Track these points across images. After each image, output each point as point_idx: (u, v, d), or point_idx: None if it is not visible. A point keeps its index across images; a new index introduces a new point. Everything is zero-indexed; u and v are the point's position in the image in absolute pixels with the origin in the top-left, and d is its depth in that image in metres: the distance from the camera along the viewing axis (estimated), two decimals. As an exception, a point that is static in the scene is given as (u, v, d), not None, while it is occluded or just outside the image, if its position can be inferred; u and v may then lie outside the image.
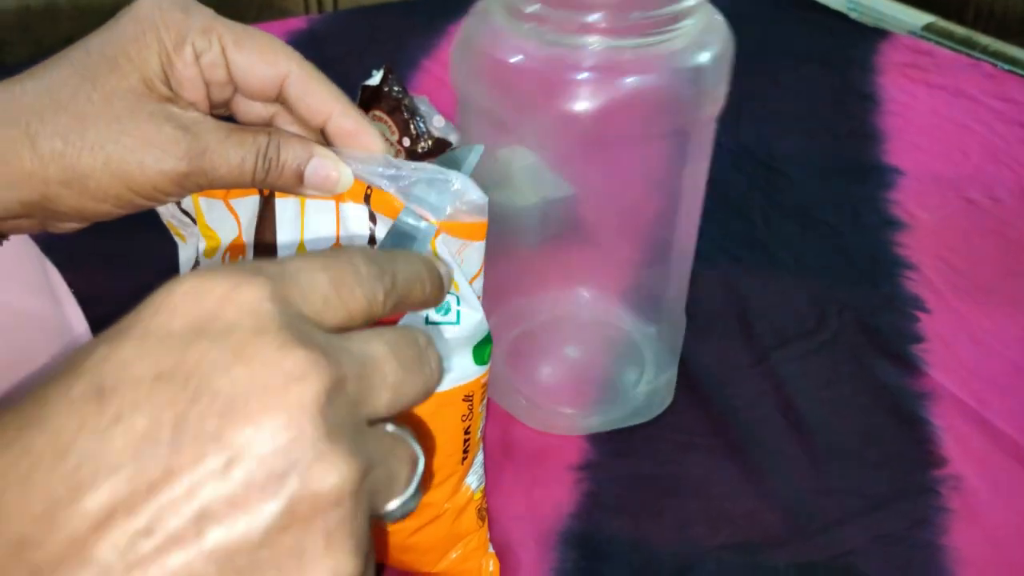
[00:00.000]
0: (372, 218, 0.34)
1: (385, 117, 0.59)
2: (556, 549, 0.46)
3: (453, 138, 0.60)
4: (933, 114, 0.92)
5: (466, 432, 0.38)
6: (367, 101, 0.60)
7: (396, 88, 0.58)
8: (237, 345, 0.19)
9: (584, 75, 0.41)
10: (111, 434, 0.18)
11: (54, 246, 0.44)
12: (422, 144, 0.58)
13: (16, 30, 1.13)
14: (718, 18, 0.45)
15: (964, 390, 0.57)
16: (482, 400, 0.39)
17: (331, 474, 0.19)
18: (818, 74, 1.00)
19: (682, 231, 0.50)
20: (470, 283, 0.35)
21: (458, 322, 0.36)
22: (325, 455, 0.19)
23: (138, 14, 0.29)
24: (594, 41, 0.41)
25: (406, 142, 0.58)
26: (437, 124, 0.63)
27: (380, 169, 0.32)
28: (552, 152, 0.47)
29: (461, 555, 0.42)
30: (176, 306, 0.20)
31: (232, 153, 0.30)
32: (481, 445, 0.42)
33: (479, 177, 0.52)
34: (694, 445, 0.52)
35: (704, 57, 0.43)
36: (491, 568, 0.43)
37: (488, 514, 0.45)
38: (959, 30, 1.16)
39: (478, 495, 0.42)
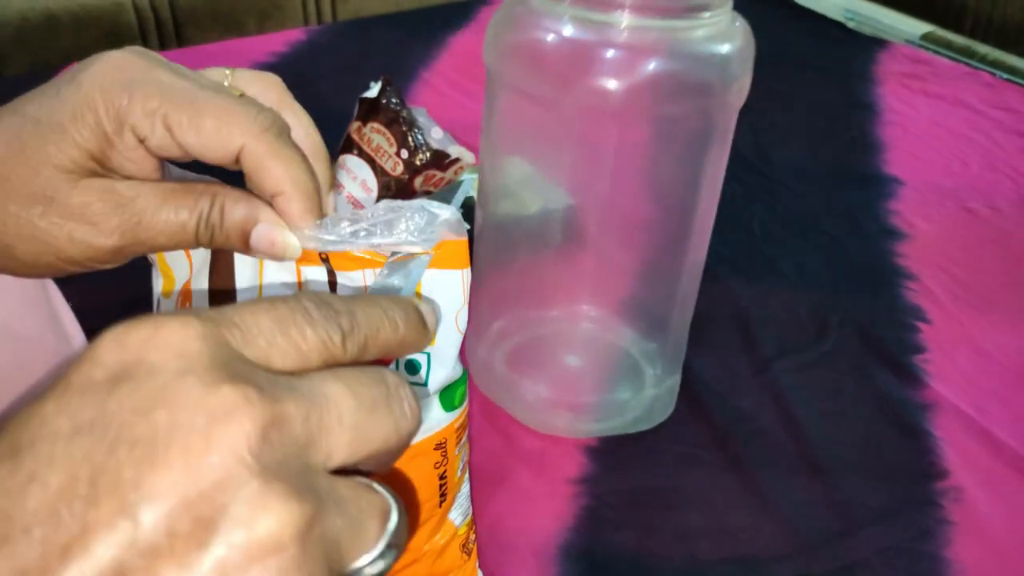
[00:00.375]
0: (331, 275, 0.32)
1: (383, 129, 0.59)
2: (556, 564, 0.46)
3: (452, 150, 0.60)
4: (932, 124, 0.92)
5: (441, 478, 0.37)
6: (365, 113, 0.60)
7: (394, 100, 0.58)
8: (158, 388, 0.18)
9: (613, 52, 0.42)
10: (24, 494, 0.17)
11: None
12: (420, 156, 0.58)
13: (14, 43, 1.13)
14: (739, 23, 0.46)
15: (965, 400, 0.57)
16: (459, 441, 0.38)
17: (266, 517, 0.17)
18: (817, 84, 1.00)
19: (697, 235, 0.50)
20: (455, 316, 0.34)
21: (426, 383, 0.35)
22: (259, 497, 0.17)
23: (80, 87, 0.27)
24: (625, 19, 0.42)
25: (404, 154, 0.58)
26: (435, 136, 0.63)
27: (345, 224, 0.30)
28: (580, 131, 0.47)
29: None
30: (98, 356, 0.18)
31: (171, 219, 0.28)
32: (465, 478, 0.41)
33: (494, 183, 0.52)
34: (695, 457, 0.52)
35: (728, 47, 0.44)
36: None
37: (483, 532, 0.45)
38: (958, 39, 1.16)
39: (463, 529, 0.41)
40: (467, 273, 0.33)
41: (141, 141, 0.27)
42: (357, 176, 0.59)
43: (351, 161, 0.59)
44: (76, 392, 0.18)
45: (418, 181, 0.59)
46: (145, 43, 1.23)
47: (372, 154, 0.59)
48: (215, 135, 0.27)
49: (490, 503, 0.49)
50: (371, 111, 0.59)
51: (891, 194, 0.80)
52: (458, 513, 0.41)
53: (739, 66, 0.44)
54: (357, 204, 0.59)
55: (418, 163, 0.58)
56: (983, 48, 1.14)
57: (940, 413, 0.56)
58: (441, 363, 0.35)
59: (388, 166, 0.58)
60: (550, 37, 0.43)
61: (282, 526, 0.17)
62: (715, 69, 0.44)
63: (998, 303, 0.66)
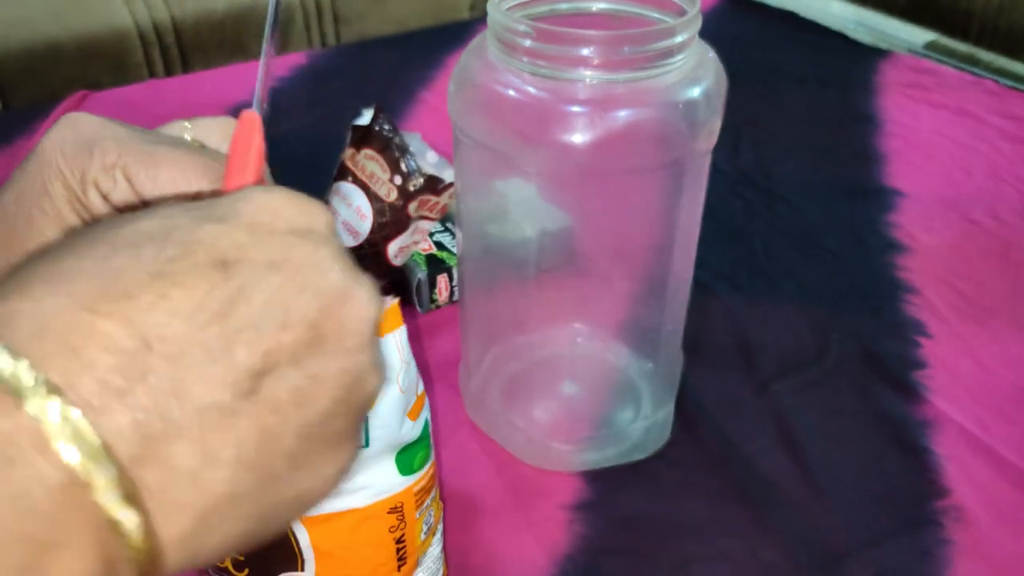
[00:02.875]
0: None
1: (376, 156, 0.59)
2: (552, 591, 0.46)
3: (447, 174, 0.60)
4: (935, 134, 0.91)
5: (399, 541, 0.37)
6: (358, 140, 0.60)
7: (386, 127, 0.59)
8: (329, 253, 0.22)
9: (578, 108, 0.42)
10: (235, 302, 0.20)
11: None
12: (414, 182, 0.59)
13: (20, 74, 1.14)
14: (711, 55, 0.45)
15: (967, 417, 0.56)
16: (419, 505, 0.38)
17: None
18: (818, 96, 1.00)
19: (678, 264, 0.50)
20: (396, 378, 0.35)
21: (367, 444, 0.35)
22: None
23: (42, 159, 0.28)
24: (588, 75, 0.41)
25: (398, 180, 0.59)
26: (431, 160, 0.63)
27: None
28: (547, 185, 0.47)
29: None
30: (277, 210, 0.22)
31: None
32: (434, 540, 0.41)
33: (477, 211, 0.52)
34: (692, 482, 0.52)
35: (696, 91, 0.43)
36: None
37: (479, 561, 0.45)
38: (961, 47, 1.15)
39: None
40: (402, 332, 0.35)
41: (105, 197, 0.28)
42: (352, 203, 0.59)
43: (345, 188, 0.60)
44: (265, 233, 0.22)
45: (412, 206, 0.59)
46: (150, 70, 1.24)
47: (366, 180, 0.59)
48: (171, 184, 0.28)
49: (485, 531, 0.48)
50: (364, 138, 0.59)
51: (893, 206, 0.79)
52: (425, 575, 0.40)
53: (707, 110, 0.43)
54: (352, 231, 0.59)
55: (412, 189, 0.58)
56: (987, 56, 1.13)
57: (941, 430, 0.55)
58: (382, 425, 0.35)
59: (382, 192, 0.58)
60: (510, 93, 0.42)
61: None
62: (682, 117, 0.42)
63: (1001, 315, 0.66)
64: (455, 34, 1.11)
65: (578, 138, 0.41)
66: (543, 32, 0.40)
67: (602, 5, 0.46)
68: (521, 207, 0.55)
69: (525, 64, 0.41)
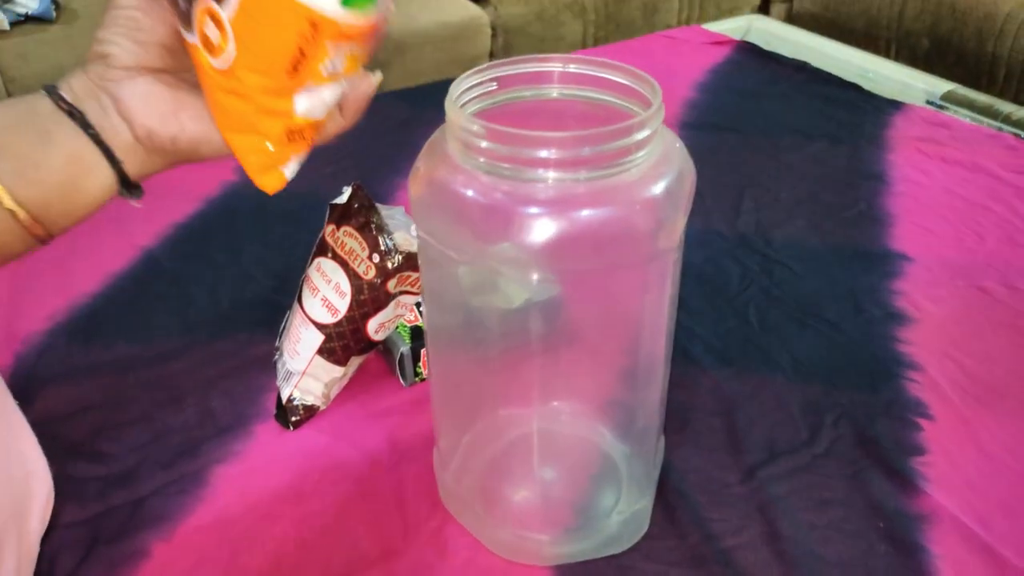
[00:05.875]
0: None
1: (355, 234, 0.58)
2: None
3: (430, 247, 0.59)
4: (946, 192, 0.89)
5: (301, 53, 0.40)
6: (338, 218, 0.60)
7: (365, 205, 0.58)
8: None
9: (536, 209, 0.40)
10: None
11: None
12: (391, 260, 0.58)
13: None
14: (677, 146, 0.44)
15: (966, 511, 0.53)
16: (339, 49, 0.41)
17: None
18: (827, 153, 0.98)
19: (645, 355, 0.48)
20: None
21: None
22: None
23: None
24: (546, 175, 0.40)
25: (376, 258, 0.58)
26: (415, 234, 0.62)
27: None
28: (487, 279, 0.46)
29: (253, 145, 0.44)
30: None
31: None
32: (334, 86, 0.43)
33: (441, 298, 0.51)
34: (669, 578, 0.50)
35: (659, 188, 0.41)
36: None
37: None
38: (981, 98, 1.12)
39: (300, 120, 0.44)
40: None
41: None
42: (331, 279, 0.59)
43: (326, 264, 0.59)
44: None
45: (391, 284, 0.58)
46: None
47: (345, 257, 0.58)
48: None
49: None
50: (343, 216, 0.58)
51: (897, 272, 0.76)
52: (309, 106, 0.43)
53: (669, 207, 0.42)
54: (331, 308, 0.59)
55: (390, 267, 0.57)
56: (1008, 106, 1.10)
57: (938, 525, 0.53)
58: None
59: (361, 270, 0.58)
60: (469, 193, 0.41)
61: None
62: (644, 217, 0.41)
63: (1010, 397, 0.63)
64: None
65: (536, 241, 0.40)
66: (497, 133, 0.39)
67: (566, 91, 0.45)
68: (509, 277, 0.53)
69: (484, 164, 0.40)
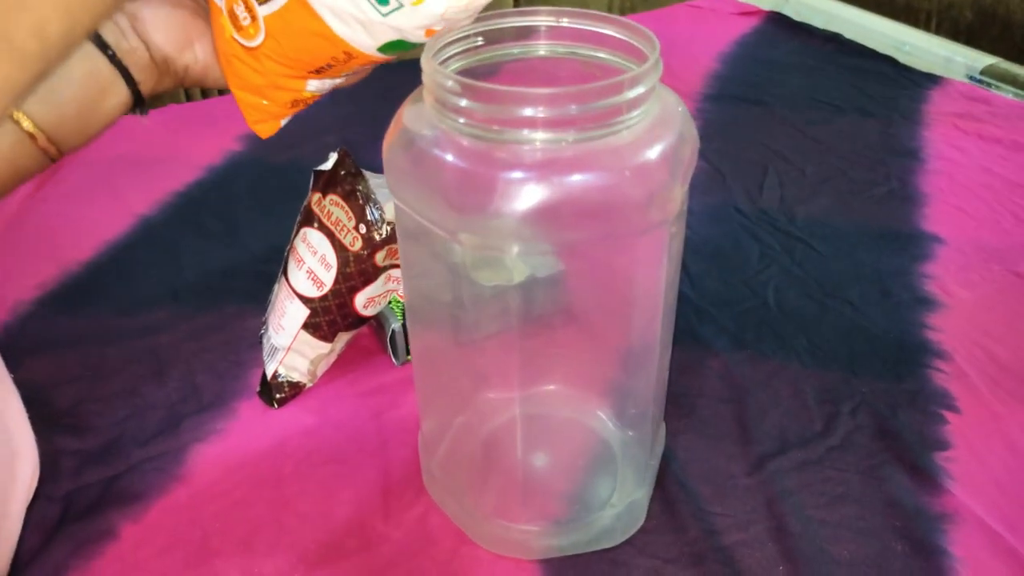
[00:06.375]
0: None
1: (341, 202, 0.55)
2: None
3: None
4: (983, 171, 0.83)
5: (329, 65, 0.42)
6: (323, 186, 0.56)
7: (351, 172, 0.55)
8: None
9: (518, 174, 0.37)
10: None
11: None
12: (378, 232, 0.54)
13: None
14: (680, 109, 0.40)
15: (991, 512, 0.49)
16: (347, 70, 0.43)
17: None
18: (857, 128, 0.92)
19: (639, 335, 0.44)
20: None
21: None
22: None
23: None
24: (530, 137, 0.36)
25: (362, 229, 0.55)
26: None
27: None
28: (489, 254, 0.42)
29: (257, 104, 0.46)
30: None
31: None
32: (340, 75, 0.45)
33: (425, 284, 0.48)
34: (662, 575, 0.46)
35: (653, 153, 0.37)
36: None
37: None
38: (1023, 72, 1.06)
39: (308, 94, 0.46)
40: None
41: None
42: (317, 251, 0.56)
43: (312, 235, 0.56)
44: None
45: (380, 256, 0.55)
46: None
47: (332, 228, 0.55)
48: None
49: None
50: (328, 184, 0.55)
51: (928, 255, 0.72)
52: (318, 87, 0.46)
53: (663, 175, 0.38)
54: (317, 281, 0.56)
55: (377, 238, 0.54)
56: (1053, 81, 1.04)
57: (960, 526, 0.49)
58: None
59: (347, 241, 0.55)
60: (447, 157, 0.37)
61: None
62: (634, 185, 0.37)
63: (1044, 388, 0.58)
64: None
65: (517, 209, 0.36)
66: (476, 90, 0.35)
67: (559, 48, 0.41)
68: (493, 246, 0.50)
69: (463, 125, 0.37)
